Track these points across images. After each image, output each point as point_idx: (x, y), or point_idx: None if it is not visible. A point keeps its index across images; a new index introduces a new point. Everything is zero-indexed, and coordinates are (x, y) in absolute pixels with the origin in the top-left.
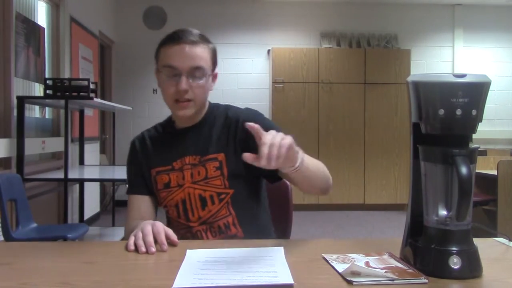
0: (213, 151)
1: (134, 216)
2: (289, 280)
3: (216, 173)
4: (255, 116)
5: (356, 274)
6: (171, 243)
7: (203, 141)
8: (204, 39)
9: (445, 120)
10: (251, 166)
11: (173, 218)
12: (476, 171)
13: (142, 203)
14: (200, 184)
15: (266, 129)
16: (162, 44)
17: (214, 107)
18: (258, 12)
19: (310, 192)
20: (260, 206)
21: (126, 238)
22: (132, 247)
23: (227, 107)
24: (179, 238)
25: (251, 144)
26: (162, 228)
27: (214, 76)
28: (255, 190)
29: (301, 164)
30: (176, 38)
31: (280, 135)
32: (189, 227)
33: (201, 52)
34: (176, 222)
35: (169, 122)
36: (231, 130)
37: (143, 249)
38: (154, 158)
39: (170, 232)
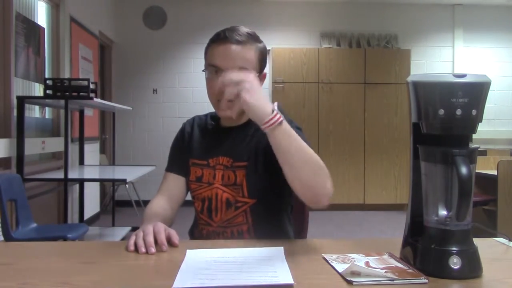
0: (244, 158)
1: (164, 192)
2: (289, 280)
3: (243, 182)
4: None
5: (356, 274)
6: (171, 244)
7: (239, 145)
8: (252, 38)
9: (445, 120)
10: (276, 175)
11: (197, 211)
12: (476, 171)
13: (176, 183)
14: (229, 188)
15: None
16: (210, 42)
17: None
18: (258, 12)
19: (296, 187)
20: (281, 215)
21: (143, 219)
22: (132, 247)
23: None
24: (199, 232)
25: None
26: (163, 228)
27: (262, 77)
28: (278, 199)
29: (277, 125)
30: (222, 37)
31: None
32: (209, 224)
33: (246, 53)
34: (198, 215)
35: (216, 116)
36: (262, 138)
37: (143, 249)
38: (194, 149)
39: (172, 232)
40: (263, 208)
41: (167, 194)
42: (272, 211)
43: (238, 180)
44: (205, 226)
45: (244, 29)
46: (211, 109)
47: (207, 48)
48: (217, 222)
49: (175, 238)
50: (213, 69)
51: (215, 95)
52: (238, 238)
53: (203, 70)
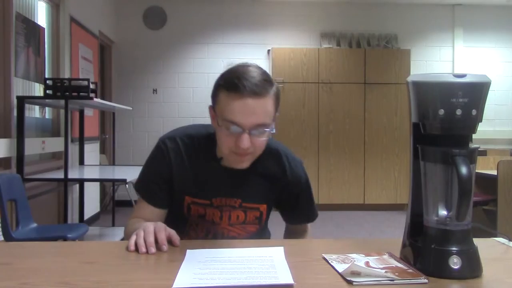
0: (257, 201)
1: (140, 217)
2: (289, 280)
3: (254, 222)
4: (305, 185)
5: (356, 274)
6: (172, 244)
7: (249, 188)
8: (268, 84)
9: (445, 120)
10: (280, 211)
11: (196, 233)
12: (476, 171)
13: (154, 214)
14: (236, 227)
15: (304, 200)
16: (223, 88)
17: (265, 149)
18: (258, 12)
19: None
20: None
21: (126, 237)
22: (132, 247)
23: (279, 155)
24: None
25: (288, 202)
26: (163, 227)
27: (275, 118)
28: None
29: None
30: (239, 88)
31: None
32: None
33: (265, 105)
34: (196, 236)
35: (211, 151)
36: (281, 185)
37: (144, 249)
38: (192, 186)
39: (173, 232)
40: (263, 230)
41: (147, 220)
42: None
43: (249, 219)
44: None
45: (258, 73)
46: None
47: (219, 95)
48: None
49: (176, 238)
50: (230, 125)
51: (230, 148)
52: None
53: (213, 110)
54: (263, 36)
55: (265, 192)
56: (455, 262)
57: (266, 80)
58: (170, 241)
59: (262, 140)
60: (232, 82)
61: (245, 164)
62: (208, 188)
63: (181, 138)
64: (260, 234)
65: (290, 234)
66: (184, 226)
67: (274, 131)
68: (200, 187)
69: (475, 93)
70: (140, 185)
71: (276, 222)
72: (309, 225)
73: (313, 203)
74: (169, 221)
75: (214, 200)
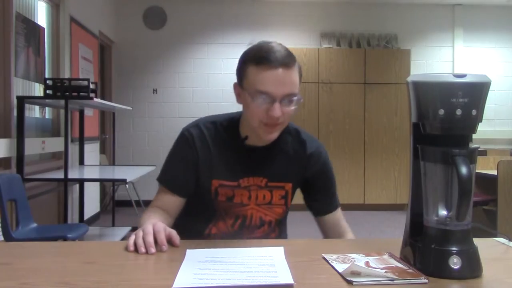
0: (282, 179)
1: (161, 207)
2: (289, 280)
3: (280, 202)
4: (325, 162)
5: (356, 274)
6: (172, 244)
7: (273, 166)
8: (293, 57)
9: (445, 120)
10: (305, 198)
11: (224, 222)
12: (476, 171)
13: (172, 201)
14: (263, 208)
15: (326, 180)
16: (252, 62)
17: (285, 129)
18: (258, 12)
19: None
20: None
21: (140, 224)
22: (132, 247)
23: (298, 133)
24: (218, 235)
25: (312, 184)
26: (162, 228)
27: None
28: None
29: None
30: (270, 60)
31: None
32: (236, 235)
33: (294, 76)
34: (224, 226)
35: (234, 132)
36: (303, 163)
37: (143, 249)
38: (219, 169)
39: (173, 232)
40: (285, 219)
41: (164, 210)
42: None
43: (275, 199)
44: (233, 237)
45: (282, 47)
46: (211, 109)
47: (248, 69)
48: (247, 235)
49: (176, 238)
50: (262, 96)
51: (261, 119)
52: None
53: (240, 87)
54: (263, 36)
55: (289, 171)
56: (455, 262)
57: (290, 54)
58: (170, 241)
59: (291, 110)
60: (261, 56)
61: (274, 135)
62: (235, 169)
63: (204, 124)
64: (283, 223)
65: (326, 232)
66: (211, 220)
67: (302, 100)
68: (227, 169)
69: (475, 93)
70: (163, 173)
71: (292, 222)
72: (350, 232)
73: (335, 187)
74: (195, 219)
75: (241, 180)
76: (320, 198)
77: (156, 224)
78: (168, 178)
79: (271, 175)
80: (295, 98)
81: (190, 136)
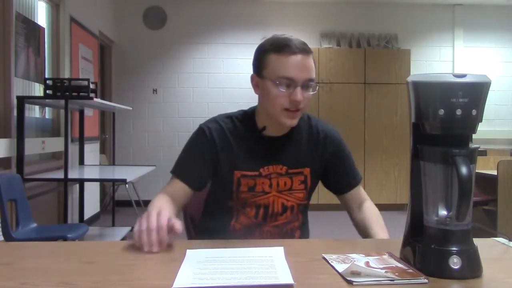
0: (300, 165)
1: (169, 194)
2: (289, 280)
3: (300, 186)
4: (340, 140)
5: (356, 274)
6: (174, 233)
7: (291, 153)
8: (309, 47)
9: (445, 120)
10: (327, 180)
11: (246, 215)
12: (476, 171)
13: (182, 190)
14: (284, 194)
15: (345, 157)
16: (272, 51)
17: None
18: (258, 12)
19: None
20: (307, 209)
21: (148, 209)
22: (138, 242)
23: (309, 118)
24: (242, 229)
25: (332, 164)
26: (165, 222)
27: None
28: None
29: None
30: (291, 47)
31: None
32: (260, 225)
33: (311, 63)
34: (247, 218)
35: (251, 124)
36: (318, 145)
37: (146, 248)
38: (239, 160)
39: (177, 224)
40: (307, 206)
41: (171, 196)
42: (308, 207)
43: (295, 185)
44: (258, 228)
45: (298, 38)
46: (211, 109)
47: (268, 58)
48: (271, 224)
49: (178, 228)
50: (284, 81)
51: (282, 105)
52: (291, 235)
53: (258, 77)
54: (263, 36)
55: (306, 155)
56: (455, 262)
57: (306, 43)
58: (171, 231)
59: (310, 95)
60: (282, 44)
61: (295, 121)
62: (255, 159)
63: (221, 119)
64: (305, 212)
65: (351, 208)
66: (232, 217)
67: (318, 87)
68: (247, 159)
69: (475, 93)
70: (177, 166)
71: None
72: (369, 199)
73: (354, 162)
74: (217, 219)
75: (262, 170)
76: (343, 175)
77: (159, 219)
78: (183, 171)
79: (290, 162)
80: (312, 83)
81: (208, 130)
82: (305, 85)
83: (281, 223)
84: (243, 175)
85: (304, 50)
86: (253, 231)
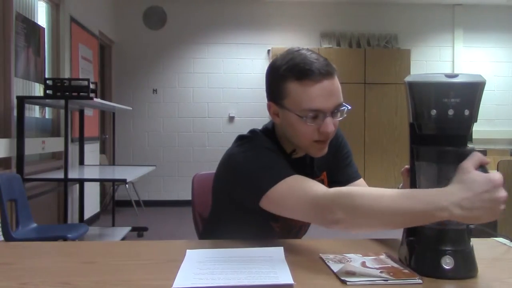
0: (320, 172)
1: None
2: (289, 280)
3: None
4: (341, 135)
5: (351, 274)
6: None
7: (315, 165)
8: (332, 65)
9: (438, 120)
10: (334, 178)
11: (268, 218)
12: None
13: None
14: None
15: (346, 153)
16: (292, 78)
17: None
18: (258, 12)
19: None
20: None
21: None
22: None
23: None
24: (259, 229)
25: (332, 156)
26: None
27: None
28: None
29: None
30: (313, 73)
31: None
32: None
33: (338, 84)
34: (266, 223)
35: (278, 147)
36: (332, 148)
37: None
38: None
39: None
40: None
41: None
42: None
43: None
44: (272, 228)
45: (317, 55)
46: (210, 109)
47: (288, 87)
48: (293, 227)
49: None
50: (312, 114)
51: (312, 137)
52: (296, 235)
53: (277, 105)
54: (263, 36)
55: (324, 161)
56: (447, 262)
57: (327, 60)
58: None
59: (339, 120)
60: (302, 70)
61: (325, 150)
62: None
63: (263, 136)
64: None
65: None
66: (268, 229)
67: (351, 108)
68: None
69: (467, 93)
70: (273, 174)
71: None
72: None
73: (352, 157)
74: (255, 231)
75: None
76: (341, 169)
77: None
78: (280, 169)
79: (314, 172)
80: (342, 108)
81: (265, 142)
82: (335, 112)
83: (301, 226)
84: None
85: (329, 73)
86: (269, 228)
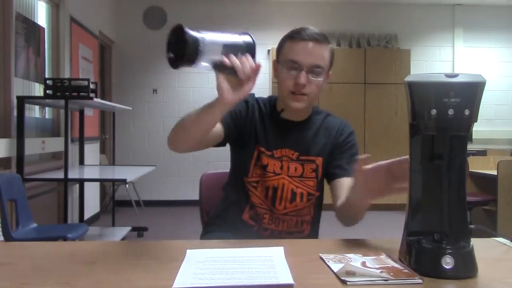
0: (313, 154)
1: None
2: (289, 280)
3: (311, 175)
4: (352, 134)
5: (351, 274)
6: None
7: (305, 140)
8: (326, 39)
9: (438, 120)
10: (328, 168)
11: (257, 196)
12: (476, 171)
13: (217, 127)
14: (294, 180)
15: (353, 152)
16: (287, 38)
17: (316, 110)
18: (258, 12)
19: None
20: (321, 208)
21: (184, 121)
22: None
23: (328, 114)
24: (258, 216)
25: (336, 147)
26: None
27: (328, 76)
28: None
29: None
30: (302, 34)
31: None
32: (272, 211)
33: (322, 51)
34: (258, 200)
35: (272, 107)
36: (332, 137)
37: (241, 74)
38: (261, 137)
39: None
40: (320, 201)
41: None
42: (321, 202)
43: (306, 173)
44: (268, 211)
45: (317, 29)
46: None
47: (283, 44)
48: (280, 210)
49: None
50: (291, 65)
51: (289, 88)
52: (299, 228)
53: (277, 62)
54: (263, 36)
55: (320, 146)
56: (447, 262)
57: (324, 35)
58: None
59: (317, 81)
60: (297, 31)
61: (300, 104)
62: (271, 139)
63: (259, 98)
64: (317, 206)
65: (337, 196)
66: (248, 201)
67: (326, 84)
68: (265, 138)
69: (467, 93)
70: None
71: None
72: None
73: (357, 156)
74: (233, 205)
75: (275, 151)
76: (339, 160)
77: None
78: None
79: (302, 149)
80: (320, 70)
81: (252, 100)
82: (311, 71)
83: (291, 211)
84: (261, 151)
85: (315, 38)
86: (264, 216)
